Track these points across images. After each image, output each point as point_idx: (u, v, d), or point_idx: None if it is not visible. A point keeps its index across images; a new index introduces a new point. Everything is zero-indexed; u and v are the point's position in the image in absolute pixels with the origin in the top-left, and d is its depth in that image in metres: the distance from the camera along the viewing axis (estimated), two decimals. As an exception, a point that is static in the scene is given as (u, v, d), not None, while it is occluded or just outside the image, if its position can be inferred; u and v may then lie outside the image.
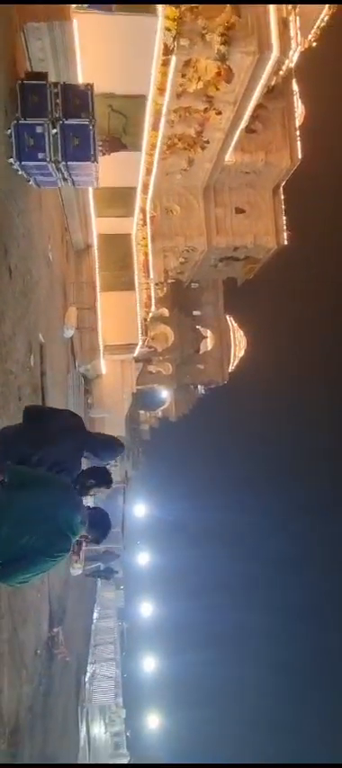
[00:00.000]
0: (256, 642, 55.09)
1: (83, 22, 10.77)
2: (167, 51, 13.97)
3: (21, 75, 8.78)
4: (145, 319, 24.96)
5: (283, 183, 25.71)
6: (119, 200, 19.41)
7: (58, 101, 8.22)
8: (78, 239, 19.50)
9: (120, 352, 24.53)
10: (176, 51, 14.91)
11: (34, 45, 10.57)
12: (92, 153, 7.94)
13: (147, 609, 38.40)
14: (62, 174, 8.57)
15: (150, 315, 26.36)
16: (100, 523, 3.52)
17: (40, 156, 7.69)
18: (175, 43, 14.02)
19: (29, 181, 8.85)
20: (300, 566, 57.34)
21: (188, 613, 49.60)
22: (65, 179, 9.11)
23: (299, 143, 23.44)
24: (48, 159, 7.76)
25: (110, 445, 3.73)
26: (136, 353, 26.68)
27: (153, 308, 24.81)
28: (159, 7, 11.75)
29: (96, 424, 29.79)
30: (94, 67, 11.55)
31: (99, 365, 23.62)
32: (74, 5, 9.99)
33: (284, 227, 26.52)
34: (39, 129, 7.63)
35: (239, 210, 26.67)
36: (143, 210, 22.91)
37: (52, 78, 9.45)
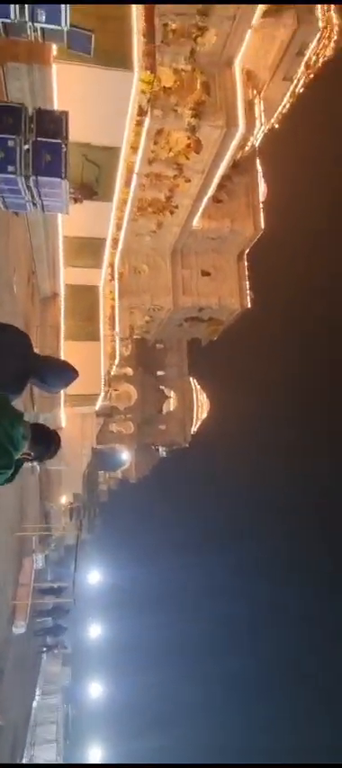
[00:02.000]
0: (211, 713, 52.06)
1: (62, 70, 11.14)
2: (142, 112, 14.70)
3: (-4, 101, 8.81)
4: (108, 372, 24.64)
5: (247, 250, 27.06)
6: (88, 250, 19.58)
7: (32, 124, 8.22)
8: (45, 287, 19.32)
9: (82, 402, 23.87)
10: (150, 116, 15.72)
11: (13, 84, 10.77)
12: (63, 171, 7.89)
13: (96, 690, 35.12)
14: (32, 193, 8.43)
15: (114, 369, 26.12)
16: (44, 437, 3.10)
17: (10, 168, 7.54)
18: (149, 106, 14.80)
19: (-3, 206, 8.65)
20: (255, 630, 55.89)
21: (141, 694, 46.01)
22: (34, 203, 8.97)
23: (262, 215, 24.99)
24: (18, 173, 7.60)
25: (61, 370, 3.26)
26: (98, 406, 26.08)
27: (117, 360, 24.60)
28: (135, 62, 12.43)
29: (52, 476, 28.37)
30: (70, 115, 11.87)
31: (59, 416, 22.79)
32: (55, 50, 10.30)
33: (248, 291, 27.64)
34: (10, 143, 7.52)
35: (205, 273, 27.65)
36: (112, 265, 23.24)
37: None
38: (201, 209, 23.11)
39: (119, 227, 20.32)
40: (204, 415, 41.98)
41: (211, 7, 15.95)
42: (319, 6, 17.58)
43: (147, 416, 38.45)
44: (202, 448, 43.66)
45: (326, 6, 17.88)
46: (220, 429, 44.56)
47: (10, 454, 2.89)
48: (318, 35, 18.00)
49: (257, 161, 25.01)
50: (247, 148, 21.03)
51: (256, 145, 22.06)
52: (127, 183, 17.69)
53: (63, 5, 7.18)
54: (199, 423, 41.74)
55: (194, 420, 41.22)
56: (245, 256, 27.06)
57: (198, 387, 41.31)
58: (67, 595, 22.01)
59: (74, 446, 26.43)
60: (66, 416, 23.42)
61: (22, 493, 17.45)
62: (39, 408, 20.25)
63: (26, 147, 7.53)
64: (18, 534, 16.95)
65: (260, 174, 25.16)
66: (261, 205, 24.91)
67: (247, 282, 27.04)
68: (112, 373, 26.56)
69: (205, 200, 22.41)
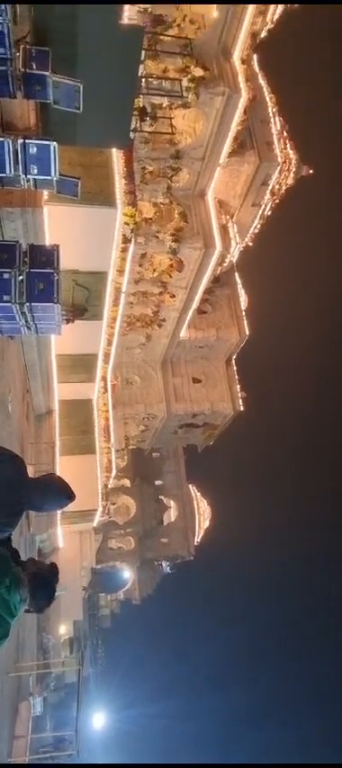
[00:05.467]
0: None
1: (52, 211, 12.52)
2: (126, 240, 16.22)
3: (-7, 241, 9.82)
4: (105, 485, 24.38)
5: (235, 356, 28.22)
6: (81, 366, 20.43)
7: (26, 258, 9.10)
8: (40, 403, 19.82)
9: (79, 519, 23.32)
10: (134, 243, 17.34)
11: (8, 225, 12.02)
12: (55, 296, 8.58)
13: None
14: (26, 318, 9.08)
15: (111, 482, 25.87)
16: (43, 586, 2.97)
17: (6, 297, 8.22)
18: (133, 235, 16.39)
19: (-7, 329, 9.28)
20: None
21: None
22: (28, 327, 9.62)
23: (245, 321, 26.49)
24: (13, 301, 8.27)
25: (57, 497, 3.28)
26: (96, 522, 25.41)
27: (114, 472, 24.47)
28: (118, 200, 14.02)
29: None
30: (60, 247, 13.14)
31: (56, 536, 22.14)
32: (46, 194, 11.68)
33: (239, 394, 28.35)
34: (6, 276, 8.27)
35: (196, 380, 28.55)
36: (104, 379, 24.05)
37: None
38: (187, 321, 24.52)
39: (110, 343, 21.38)
40: (207, 524, 40.72)
41: (182, 151, 18.31)
42: (276, 144, 20.25)
43: (147, 529, 37.25)
44: (207, 559, 41.85)
45: (282, 143, 20.60)
46: (224, 537, 43.10)
47: (5, 624, 2.75)
48: (278, 168, 20.52)
49: (236, 274, 27.05)
50: (225, 264, 22.90)
51: (234, 261, 24.04)
52: (115, 303, 18.96)
53: (52, 163, 8.33)
54: (202, 532, 40.37)
55: (197, 530, 39.92)
56: (233, 361, 28.16)
57: (198, 494, 40.56)
58: (70, 746, 19.66)
59: (72, 568, 25.30)
60: (63, 535, 22.74)
61: (18, 626, 16.40)
62: (35, 529, 19.75)
63: (21, 277, 8.28)
64: (13, 675, 15.64)
65: (240, 286, 27.07)
66: (243, 313, 26.50)
67: (238, 386, 27.84)
68: (110, 486, 26.26)
69: (190, 312, 23.88)
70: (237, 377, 28.67)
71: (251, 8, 16.28)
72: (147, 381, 27.54)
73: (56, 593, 3.08)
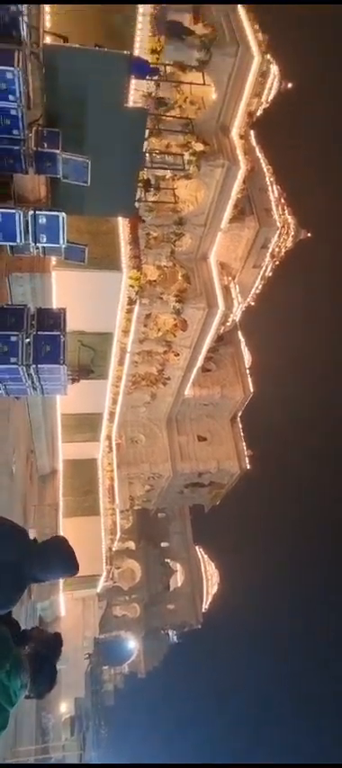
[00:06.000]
0: None
1: (60, 275, 12.98)
2: (131, 302, 16.68)
3: (2, 305, 10.10)
4: (110, 548, 23.74)
5: (240, 413, 28.15)
6: (86, 425, 20.43)
7: (33, 321, 9.32)
8: (44, 464, 19.69)
9: (82, 585, 22.54)
10: (139, 304, 17.79)
11: (17, 290, 12.43)
12: (61, 358, 8.70)
13: None
14: (32, 379, 9.17)
15: (115, 544, 25.19)
16: (45, 670, 2.78)
17: (13, 360, 8.34)
18: (138, 296, 16.85)
19: (-1, 390, 9.37)
20: None
21: None
22: (35, 387, 9.71)
23: (249, 379, 26.62)
24: (19, 363, 8.38)
25: (60, 568, 3.15)
26: (100, 588, 24.55)
27: (118, 534, 23.86)
28: (123, 265, 14.52)
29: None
30: (67, 310, 13.51)
31: (58, 604, 21.35)
32: (54, 260, 12.14)
33: (245, 452, 28.01)
34: (13, 339, 8.44)
35: (201, 438, 28.35)
36: (109, 438, 23.97)
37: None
38: (191, 379, 24.69)
39: (115, 402, 21.48)
40: (215, 589, 39.12)
41: (185, 218, 19.12)
42: (275, 210, 21.12)
43: (153, 595, 35.80)
44: (215, 626, 39.90)
45: (281, 210, 21.49)
46: (231, 600, 41.29)
47: (5, 713, 2.58)
48: (277, 232, 21.31)
49: (239, 333, 27.47)
50: (228, 324, 23.31)
51: (237, 320, 24.50)
52: (120, 362, 19.22)
53: (61, 232, 8.70)
54: (210, 598, 38.72)
55: (205, 596, 38.31)
56: (238, 418, 28.07)
57: (205, 557, 39.22)
58: None
59: (74, 638, 24.19)
60: (65, 603, 21.92)
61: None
62: (36, 597, 19.09)
63: (28, 340, 8.44)
64: (10, 762, 14.61)
65: (243, 344, 27.42)
66: (247, 370, 26.69)
67: (244, 443, 27.59)
68: (114, 549, 25.55)
69: (195, 370, 24.09)
70: (242, 434, 28.46)
71: (247, 90, 17.47)
72: (152, 440, 27.39)
73: (57, 671, 2.90)
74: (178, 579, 37.91)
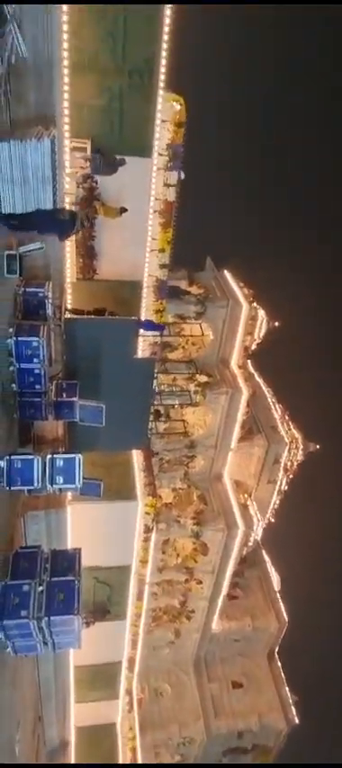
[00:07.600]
0: None
1: (75, 510, 13.01)
2: (147, 530, 16.27)
3: (16, 549, 9.90)
4: None
5: (277, 648, 24.75)
6: (102, 679, 18.01)
7: (47, 564, 9.02)
8: (53, 735, 16.83)
9: None
10: (155, 530, 17.34)
11: (31, 528, 12.37)
12: (76, 607, 8.16)
13: None
14: (43, 634, 8.45)
15: None
16: None
17: (23, 613, 7.82)
18: (154, 524, 16.50)
19: (6, 648, 8.59)
20: None
21: None
22: (45, 642, 8.87)
23: (281, 605, 24.09)
24: (30, 617, 7.84)
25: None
26: None
27: None
28: (139, 493, 14.62)
29: None
30: (82, 544, 13.16)
31: None
32: (70, 495, 12.31)
33: (290, 700, 23.80)
34: (25, 588, 8.05)
35: (237, 684, 24.51)
36: (129, 693, 20.87)
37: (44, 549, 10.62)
38: (218, 609, 22.56)
39: (134, 644, 19.28)
40: None
41: (195, 441, 19.97)
42: (280, 427, 22.04)
43: None
44: None
45: (286, 426, 22.44)
46: None
47: None
48: (287, 447, 21.90)
49: (263, 552, 25.95)
50: (250, 544, 22.24)
51: (258, 539, 23.40)
52: (139, 597, 17.85)
53: (77, 472, 9.03)
54: None
55: None
56: (276, 656, 24.59)
57: None
58: None
59: None
60: None
61: None
62: None
63: (40, 588, 8.07)
64: None
65: (269, 564, 25.67)
66: (278, 595, 24.45)
67: (287, 688, 23.62)
68: None
69: (220, 599, 22.18)
70: (283, 675, 24.52)
71: (240, 332, 20.05)
72: (179, 689, 23.76)
73: None
74: None
